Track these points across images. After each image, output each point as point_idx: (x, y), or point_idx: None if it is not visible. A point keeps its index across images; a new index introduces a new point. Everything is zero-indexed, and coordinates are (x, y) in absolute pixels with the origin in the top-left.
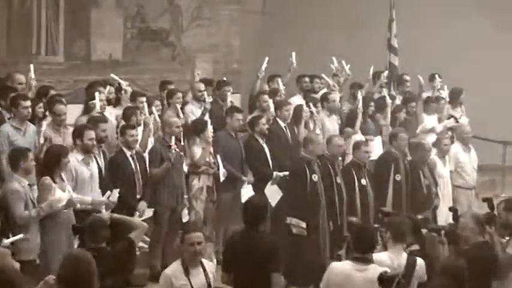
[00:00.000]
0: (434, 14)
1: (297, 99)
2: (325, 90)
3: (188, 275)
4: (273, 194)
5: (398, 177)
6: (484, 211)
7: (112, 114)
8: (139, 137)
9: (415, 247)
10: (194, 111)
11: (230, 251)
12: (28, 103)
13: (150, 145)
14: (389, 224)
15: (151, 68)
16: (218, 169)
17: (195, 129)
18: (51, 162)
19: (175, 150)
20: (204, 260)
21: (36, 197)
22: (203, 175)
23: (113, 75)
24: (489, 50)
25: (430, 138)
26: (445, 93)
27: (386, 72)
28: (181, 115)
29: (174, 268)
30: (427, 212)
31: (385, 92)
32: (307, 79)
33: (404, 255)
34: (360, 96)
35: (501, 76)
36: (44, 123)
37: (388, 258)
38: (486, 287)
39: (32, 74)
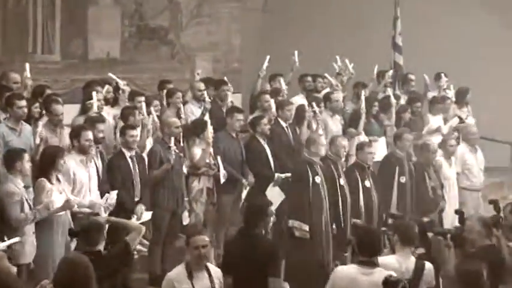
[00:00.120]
0: (439, 11)
1: (299, 99)
2: (328, 89)
3: (192, 278)
4: (275, 196)
5: (403, 179)
6: (491, 213)
7: (110, 114)
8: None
9: (421, 251)
10: (194, 111)
11: (229, 253)
12: (23, 103)
13: (148, 146)
14: (397, 227)
15: (150, 67)
16: (218, 170)
17: (194, 129)
18: (46, 164)
19: (174, 151)
20: (210, 265)
21: (32, 199)
22: (203, 177)
23: (110, 75)
24: (496, 48)
25: (436, 139)
26: (451, 93)
27: (391, 72)
28: (182, 115)
29: (178, 271)
30: (433, 215)
31: (389, 91)
32: (309, 78)
33: (413, 259)
34: (363, 96)
35: (509, 75)
36: (40, 124)
37: (396, 262)
38: None
39: (28, 73)
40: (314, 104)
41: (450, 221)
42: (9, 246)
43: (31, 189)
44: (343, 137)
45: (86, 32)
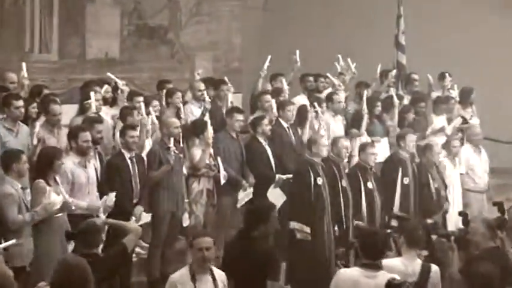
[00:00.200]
0: (443, 10)
1: (301, 99)
2: (330, 89)
3: (195, 281)
4: (276, 197)
5: (406, 181)
6: (495, 215)
7: (108, 114)
8: None
9: (425, 253)
10: (194, 111)
11: (229, 256)
12: (20, 103)
13: (148, 147)
14: (403, 229)
15: (149, 66)
16: (218, 172)
17: (194, 130)
18: (44, 165)
19: (174, 152)
20: (214, 268)
21: (30, 201)
22: (203, 178)
23: (109, 74)
24: (501, 48)
25: (440, 140)
26: (455, 93)
27: (394, 71)
28: (182, 115)
29: (181, 274)
30: (437, 217)
31: (392, 91)
32: (311, 78)
33: (419, 261)
34: (365, 96)
35: None
36: (38, 124)
37: (402, 264)
38: None
39: (25, 73)
40: (316, 104)
41: (454, 222)
42: (5, 249)
43: (28, 190)
44: (345, 137)
45: (83, 31)
